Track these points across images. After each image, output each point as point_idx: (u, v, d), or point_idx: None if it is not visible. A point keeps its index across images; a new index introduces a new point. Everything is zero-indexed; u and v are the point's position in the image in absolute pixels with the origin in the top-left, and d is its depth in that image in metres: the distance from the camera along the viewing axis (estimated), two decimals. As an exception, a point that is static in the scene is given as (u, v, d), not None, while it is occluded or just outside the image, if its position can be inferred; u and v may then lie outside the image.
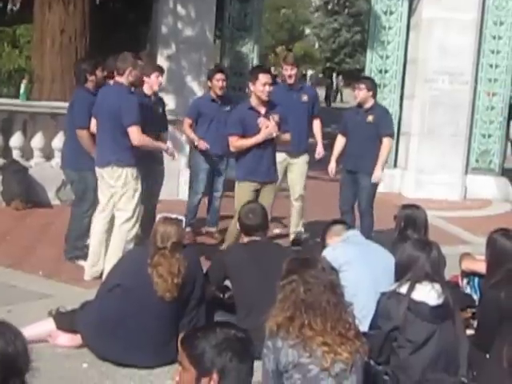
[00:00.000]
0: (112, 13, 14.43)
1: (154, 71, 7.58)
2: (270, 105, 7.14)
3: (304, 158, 8.48)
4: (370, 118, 7.96)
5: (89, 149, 6.94)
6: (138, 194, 6.59)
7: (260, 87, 6.94)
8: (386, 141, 7.95)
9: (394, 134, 8.51)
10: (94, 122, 6.85)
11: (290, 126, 7.47)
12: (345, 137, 8.26)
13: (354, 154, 8.00)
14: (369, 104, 8.01)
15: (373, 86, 8.14)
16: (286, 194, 8.75)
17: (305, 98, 8.42)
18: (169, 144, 7.47)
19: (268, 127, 6.95)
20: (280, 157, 8.02)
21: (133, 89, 6.82)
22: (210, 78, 8.56)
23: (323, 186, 11.31)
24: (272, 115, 7.04)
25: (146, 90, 7.54)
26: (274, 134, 6.99)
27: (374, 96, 8.14)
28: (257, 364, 3.82)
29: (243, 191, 7.07)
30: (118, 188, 6.53)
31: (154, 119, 7.31)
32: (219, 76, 8.38)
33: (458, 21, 12.34)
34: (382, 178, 8.27)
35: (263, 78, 6.95)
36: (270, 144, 7.12)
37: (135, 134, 6.45)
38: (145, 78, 7.50)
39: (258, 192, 7.13)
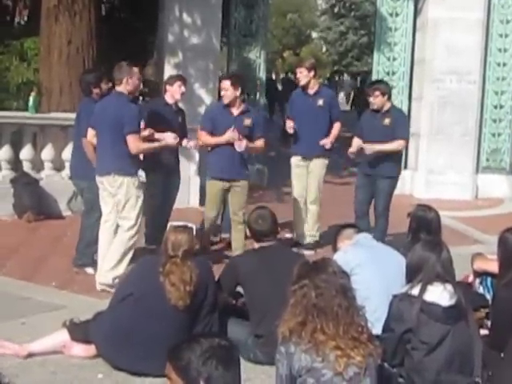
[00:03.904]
0: (118, 23, 14.52)
1: (176, 80, 7.69)
2: (243, 109, 7.51)
3: (320, 162, 8.44)
4: (387, 120, 7.96)
5: (91, 158, 6.99)
6: (140, 202, 6.69)
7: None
8: (398, 140, 7.94)
9: (408, 139, 8.43)
10: (91, 132, 6.94)
11: (304, 130, 8.14)
12: (361, 139, 8.20)
13: (372, 157, 7.98)
14: (386, 107, 8.03)
15: (387, 90, 8.13)
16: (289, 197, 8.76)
17: (320, 102, 8.40)
18: (184, 141, 7.62)
19: (232, 136, 7.30)
20: (296, 160, 8.39)
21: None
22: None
23: (336, 190, 11.30)
24: (244, 118, 7.43)
25: (168, 98, 7.67)
26: (239, 147, 7.28)
27: (389, 98, 8.15)
28: (271, 369, 3.84)
29: (211, 189, 7.53)
30: (121, 196, 6.61)
31: (172, 128, 7.39)
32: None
33: (464, 20, 12.34)
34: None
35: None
36: None
37: (133, 143, 6.58)
38: (167, 87, 7.63)
39: (227, 191, 7.47)
